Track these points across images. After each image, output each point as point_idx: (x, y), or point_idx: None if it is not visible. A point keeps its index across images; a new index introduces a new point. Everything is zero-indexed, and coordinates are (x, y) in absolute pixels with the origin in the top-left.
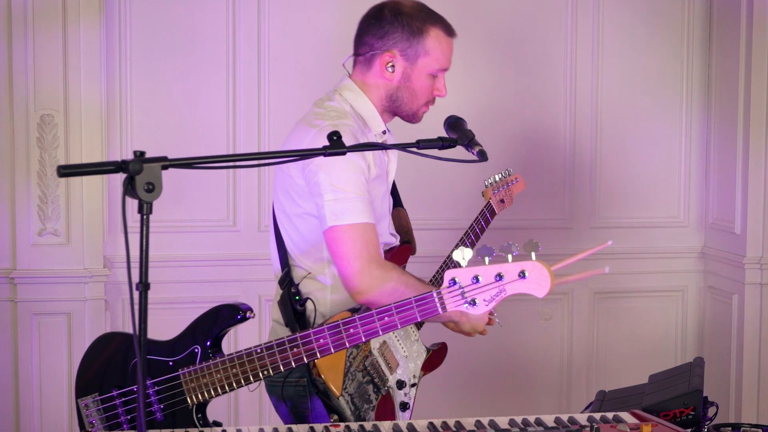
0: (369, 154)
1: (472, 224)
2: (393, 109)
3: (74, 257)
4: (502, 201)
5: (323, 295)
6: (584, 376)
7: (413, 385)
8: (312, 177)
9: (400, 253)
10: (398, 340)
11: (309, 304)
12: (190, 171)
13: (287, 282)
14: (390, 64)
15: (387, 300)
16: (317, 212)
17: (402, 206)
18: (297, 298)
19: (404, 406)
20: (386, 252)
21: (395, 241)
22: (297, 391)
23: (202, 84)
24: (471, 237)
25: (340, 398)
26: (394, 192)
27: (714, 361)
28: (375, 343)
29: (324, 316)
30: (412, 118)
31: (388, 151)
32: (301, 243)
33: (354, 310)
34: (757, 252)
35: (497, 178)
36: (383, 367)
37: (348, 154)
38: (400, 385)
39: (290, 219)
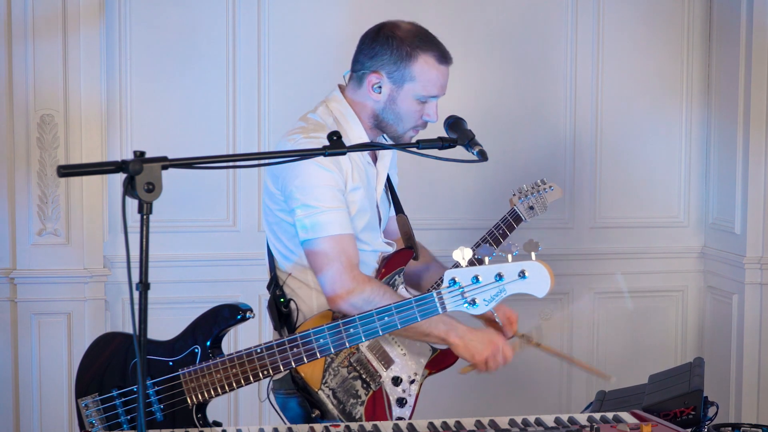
0: (348, 166)
1: (492, 229)
2: (380, 127)
3: (74, 257)
4: (531, 208)
5: (308, 295)
6: (584, 376)
7: (412, 382)
8: (284, 189)
9: (398, 257)
10: (394, 339)
11: (293, 305)
12: (190, 171)
13: (273, 285)
14: (376, 84)
15: (357, 310)
16: (293, 222)
17: (403, 213)
18: (282, 300)
19: (401, 402)
20: (385, 257)
21: (391, 249)
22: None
23: (202, 84)
24: (489, 241)
25: (320, 392)
26: (395, 199)
27: (714, 361)
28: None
29: (306, 316)
30: (399, 140)
31: (377, 165)
32: (282, 248)
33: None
34: (757, 252)
35: (525, 187)
36: (374, 363)
37: (319, 167)
38: (396, 381)
39: (271, 225)
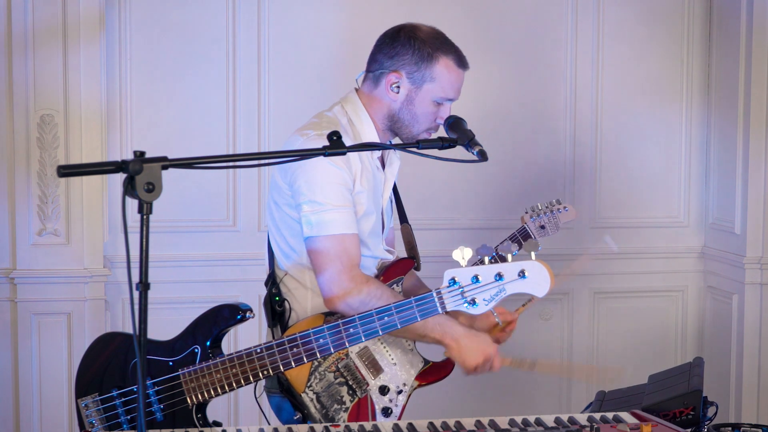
0: (358, 167)
1: (497, 246)
2: (394, 129)
3: (74, 257)
4: (542, 227)
5: (304, 296)
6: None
7: (400, 392)
8: (293, 183)
9: (398, 266)
10: (385, 347)
11: (286, 305)
12: (190, 171)
13: (270, 282)
14: (395, 84)
15: (354, 311)
16: (299, 218)
17: (407, 222)
18: (277, 298)
19: (386, 411)
20: (385, 265)
21: (392, 257)
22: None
23: (202, 84)
24: (495, 257)
25: (303, 395)
26: (400, 207)
27: (714, 361)
28: (354, 348)
29: (299, 316)
30: (412, 141)
31: (385, 170)
32: (283, 245)
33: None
34: (757, 252)
35: (539, 206)
36: (362, 370)
37: (329, 164)
38: (383, 390)
39: (275, 221)
